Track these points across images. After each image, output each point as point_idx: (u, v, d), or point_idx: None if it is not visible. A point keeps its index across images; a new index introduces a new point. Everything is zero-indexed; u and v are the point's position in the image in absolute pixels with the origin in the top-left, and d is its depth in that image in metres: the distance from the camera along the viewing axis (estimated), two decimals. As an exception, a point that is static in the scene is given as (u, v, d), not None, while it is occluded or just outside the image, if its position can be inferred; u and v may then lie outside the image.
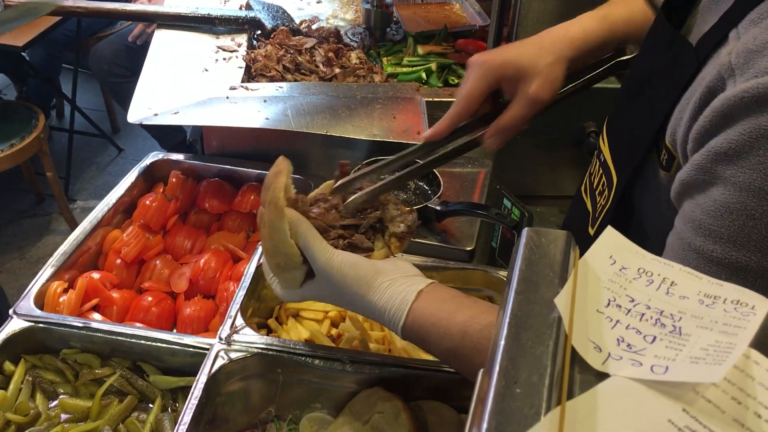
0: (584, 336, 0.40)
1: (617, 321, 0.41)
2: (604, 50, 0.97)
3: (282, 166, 0.82)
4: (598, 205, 0.85)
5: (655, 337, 0.40)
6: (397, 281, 0.77)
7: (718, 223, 0.56)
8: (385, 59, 1.59)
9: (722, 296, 0.42)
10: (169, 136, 3.01)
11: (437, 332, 0.74)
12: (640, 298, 0.43)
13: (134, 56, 3.01)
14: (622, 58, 0.99)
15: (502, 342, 0.36)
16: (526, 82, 0.88)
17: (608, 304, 0.42)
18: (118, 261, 1.23)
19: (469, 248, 1.18)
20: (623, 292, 0.43)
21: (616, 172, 0.79)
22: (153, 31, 2.85)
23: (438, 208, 1.19)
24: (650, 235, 0.75)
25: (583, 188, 0.94)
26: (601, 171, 0.85)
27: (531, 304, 0.39)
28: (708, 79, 0.59)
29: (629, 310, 0.42)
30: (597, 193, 0.86)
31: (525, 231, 0.44)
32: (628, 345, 0.40)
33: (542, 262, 0.42)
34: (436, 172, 1.27)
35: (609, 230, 0.47)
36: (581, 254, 0.46)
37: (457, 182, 1.35)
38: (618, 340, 0.40)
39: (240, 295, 1.06)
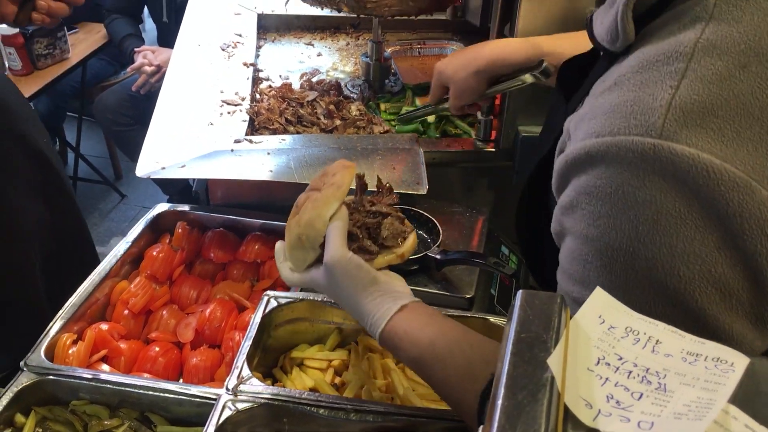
0: (576, 394, 0.43)
1: (606, 378, 0.44)
2: (523, 66, 1.23)
3: (352, 165, 0.92)
4: None
5: (641, 394, 0.43)
6: (388, 293, 0.86)
7: (570, 266, 0.67)
8: (383, 108, 1.64)
9: (704, 354, 0.46)
10: (171, 182, 3.05)
11: (408, 340, 0.82)
12: (627, 356, 0.46)
13: (138, 105, 3.08)
14: (534, 71, 1.21)
15: (500, 402, 0.40)
16: (450, 88, 1.33)
17: (598, 363, 0.45)
18: (126, 312, 1.26)
19: (468, 296, 1.21)
20: (612, 351, 0.46)
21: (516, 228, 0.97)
22: (156, 81, 2.95)
23: (437, 257, 1.22)
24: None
25: None
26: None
27: (526, 364, 0.42)
28: (561, 139, 0.71)
29: (617, 368, 0.45)
30: None
31: (519, 293, 0.47)
32: (617, 402, 0.43)
33: (536, 323, 0.45)
34: (436, 222, 1.30)
35: (598, 291, 0.50)
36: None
37: (455, 230, 1.39)
38: (607, 397, 0.43)
39: (246, 345, 1.08)
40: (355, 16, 1.70)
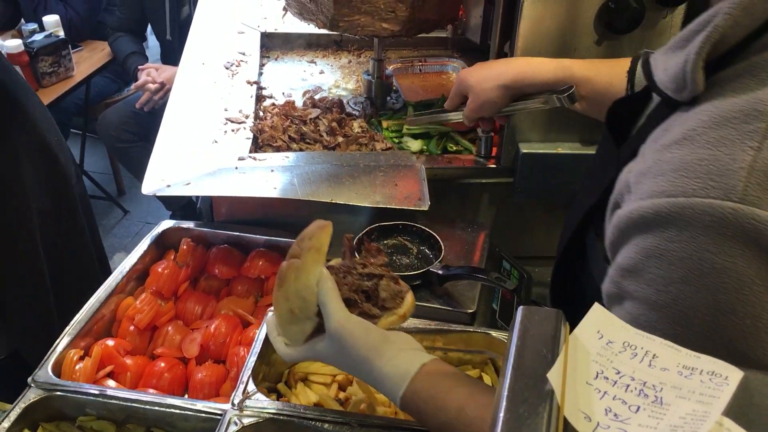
0: (575, 407, 0.44)
1: (605, 392, 0.46)
2: (549, 87, 1.21)
3: (327, 224, 0.88)
4: None
5: (639, 407, 0.45)
6: (404, 351, 0.82)
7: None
8: (385, 126, 1.66)
9: (699, 368, 0.47)
10: (174, 198, 3.07)
11: (434, 405, 0.77)
12: (625, 370, 0.47)
13: (141, 122, 3.11)
14: (561, 94, 1.18)
15: (501, 414, 0.41)
16: (468, 98, 1.32)
17: (596, 377, 0.47)
18: (132, 328, 1.27)
19: (470, 311, 1.22)
20: (610, 365, 0.48)
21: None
22: (159, 99, 2.98)
23: (440, 272, 1.24)
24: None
25: None
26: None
27: (526, 378, 0.43)
28: (616, 191, 0.66)
29: (615, 382, 0.46)
30: None
31: (520, 309, 0.49)
32: (615, 415, 0.44)
33: (536, 338, 0.46)
34: (437, 237, 1.32)
35: (596, 307, 0.52)
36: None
37: (457, 245, 1.40)
38: (606, 410, 0.45)
39: (251, 360, 1.10)
40: (341, 35, 1.72)
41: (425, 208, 1.33)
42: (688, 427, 0.42)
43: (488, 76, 1.27)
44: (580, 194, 0.87)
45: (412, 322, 1.17)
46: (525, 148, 1.43)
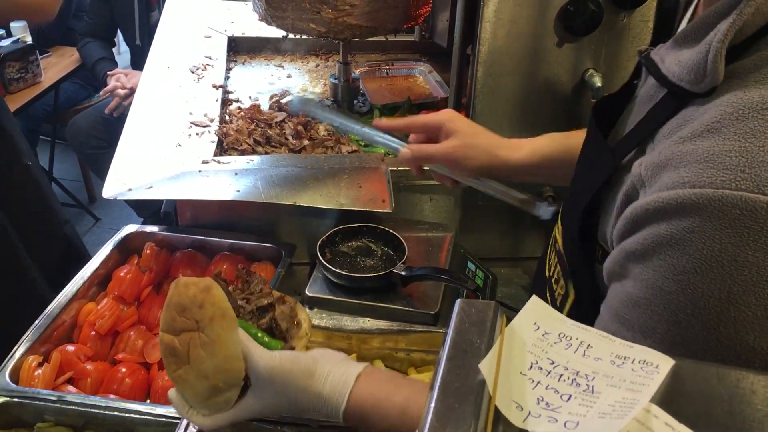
0: (508, 396, 0.45)
1: (538, 382, 0.46)
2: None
3: (210, 282, 0.80)
4: (557, 294, 0.90)
5: (570, 396, 0.45)
6: (336, 366, 0.80)
7: (629, 313, 0.63)
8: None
9: (631, 357, 0.48)
10: (145, 205, 3.05)
11: (377, 413, 0.77)
12: (559, 360, 0.48)
13: (111, 128, 3.08)
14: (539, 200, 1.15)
15: (432, 404, 0.41)
16: (446, 140, 1.11)
17: (531, 367, 0.47)
18: (93, 333, 1.26)
19: (434, 311, 1.23)
20: (545, 355, 0.48)
21: (568, 261, 0.85)
22: (129, 104, 2.95)
23: (403, 273, 1.24)
24: None
25: (547, 272, 0.98)
26: (556, 259, 0.90)
27: (459, 369, 0.44)
28: (626, 186, 0.65)
29: (549, 372, 0.47)
30: (553, 281, 0.92)
31: (457, 302, 0.49)
32: (547, 403, 0.45)
33: (471, 330, 0.47)
34: (401, 239, 1.32)
35: (534, 299, 0.52)
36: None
37: (423, 247, 1.41)
38: (538, 399, 0.45)
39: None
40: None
41: (389, 210, 1.34)
42: (616, 413, 0.42)
43: (483, 135, 1.14)
44: (572, 195, 0.86)
45: (375, 324, 1.18)
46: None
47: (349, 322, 1.15)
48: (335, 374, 0.79)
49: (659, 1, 1.32)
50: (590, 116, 0.84)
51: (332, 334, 1.15)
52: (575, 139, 1.03)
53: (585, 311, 0.76)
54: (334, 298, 1.23)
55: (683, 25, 0.77)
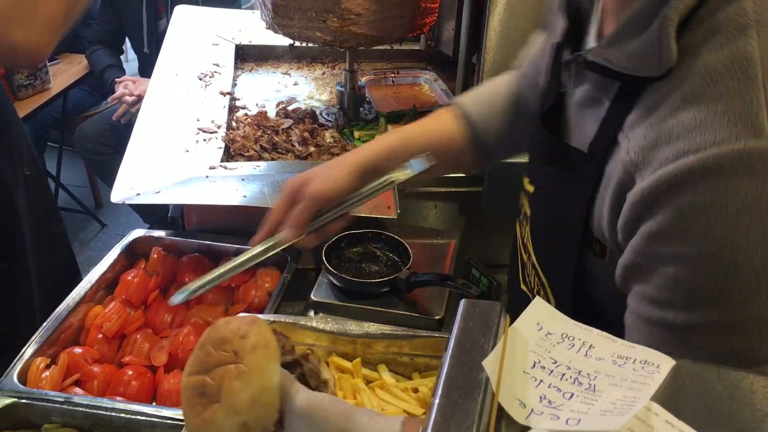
0: (511, 394, 0.45)
1: (541, 380, 0.47)
2: (399, 161, 1.05)
3: (252, 316, 0.79)
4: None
5: (572, 394, 0.46)
6: (375, 415, 0.77)
7: (669, 294, 0.64)
8: (357, 136, 1.68)
9: (633, 357, 0.49)
10: (152, 211, 3.07)
11: None
12: (562, 359, 0.49)
13: (118, 135, 3.11)
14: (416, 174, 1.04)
15: (437, 400, 0.42)
16: (308, 186, 0.99)
17: (534, 366, 0.48)
18: (100, 336, 1.27)
19: (438, 317, 1.24)
20: (547, 355, 0.49)
21: (546, 274, 0.86)
22: (137, 111, 2.98)
23: (407, 278, 1.25)
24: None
25: (523, 285, 0.98)
26: (534, 272, 0.91)
27: (463, 366, 0.45)
28: (616, 177, 0.67)
29: (552, 371, 0.48)
30: (536, 292, 0.92)
31: (462, 302, 0.50)
32: (549, 401, 0.45)
33: (476, 329, 0.48)
34: (406, 245, 1.33)
35: (537, 300, 0.53)
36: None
37: (427, 254, 1.42)
38: (541, 397, 0.46)
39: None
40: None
41: (395, 216, 1.35)
42: (617, 411, 0.43)
43: (328, 165, 1.05)
44: (551, 205, 0.86)
45: (379, 328, 1.18)
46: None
47: (354, 327, 1.15)
48: (377, 420, 0.74)
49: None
50: (538, 126, 0.87)
51: (337, 338, 1.16)
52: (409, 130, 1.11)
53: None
54: (339, 303, 1.24)
55: (591, 34, 0.82)
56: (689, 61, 0.62)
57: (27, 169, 1.56)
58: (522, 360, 0.48)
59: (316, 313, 1.23)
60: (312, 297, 1.25)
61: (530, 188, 0.93)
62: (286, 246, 1.01)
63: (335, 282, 1.26)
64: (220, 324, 0.78)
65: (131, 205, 3.22)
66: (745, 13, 0.60)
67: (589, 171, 0.73)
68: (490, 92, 1.18)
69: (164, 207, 3.16)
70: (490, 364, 0.46)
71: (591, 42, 0.81)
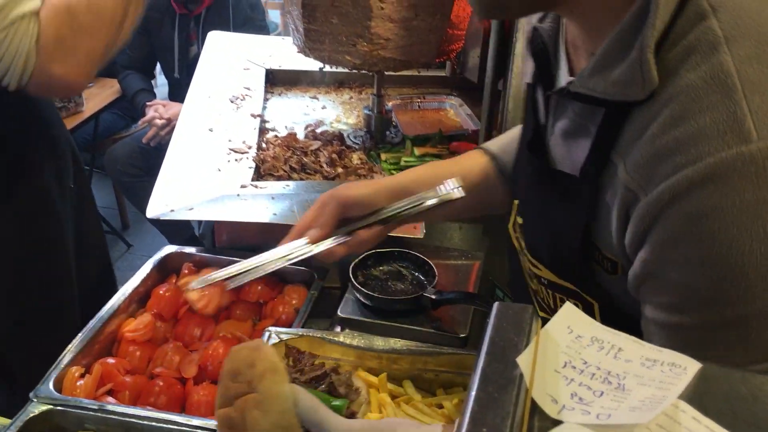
0: (543, 390, 0.48)
1: (572, 379, 0.49)
2: (428, 185, 1.11)
3: (256, 341, 0.81)
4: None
5: (602, 392, 0.48)
6: (416, 425, 0.81)
7: (683, 298, 0.67)
8: (384, 158, 1.72)
9: (660, 360, 0.51)
10: (177, 232, 3.12)
11: None
12: (592, 360, 0.51)
13: (147, 157, 3.18)
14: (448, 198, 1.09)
15: (473, 393, 0.44)
16: (339, 199, 1.07)
17: (564, 366, 0.50)
18: (132, 348, 1.30)
19: (462, 335, 1.25)
20: (578, 356, 0.51)
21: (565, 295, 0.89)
22: (166, 134, 3.05)
23: (433, 297, 1.27)
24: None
25: (540, 312, 1.00)
26: (550, 291, 0.93)
27: (498, 362, 0.47)
28: (618, 196, 0.71)
29: (582, 371, 0.50)
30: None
31: (496, 304, 0.53)
32: (580, 398, 0.47)
33: (509, 330, 0.50)
34: (432, 264, 1.36)
35: (567, 305, 0.55)
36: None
37: (452, 273, 1.44)
38: (572, 394, 0.48)
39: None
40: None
41: (420, 236, 1.38)
42: (646, 408, 0.45)
43: (361, 183, 1.14)
44: (546, 226, 0.89)
45: (405, 344, 1.20)
46: (518, 180, 1.47)
47: (380, 343, 1.17)
48: (418, 429, 0.78)
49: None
50: (524, 157, 0.92)
51: (363, 353, 1.18)
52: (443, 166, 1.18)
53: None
54: (366, 319, 1.27)
55: (562, 69, 0.86)
56: (671, 82, 0.66)
57: (72, 182, 1.61)
58: (553, 360, 0.50)
59: (342, 329, 1.26)
60: (339, 313, 1.28)
61: (520, 220, 0.97)
62: (312, 253, 1.06)
63: (362, 299, 1.29)
64: (233, 355, 0.81)
65: (157, 226, 3.29)
66: (712, 31, 0.65)
67: (584, 193, 0.77)
68: (512, 136, 1.24)
69: (189, 228, 3.23)
70: (523, 361, 0.48)
71: (564, 76, 0.85)
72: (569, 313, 0.55)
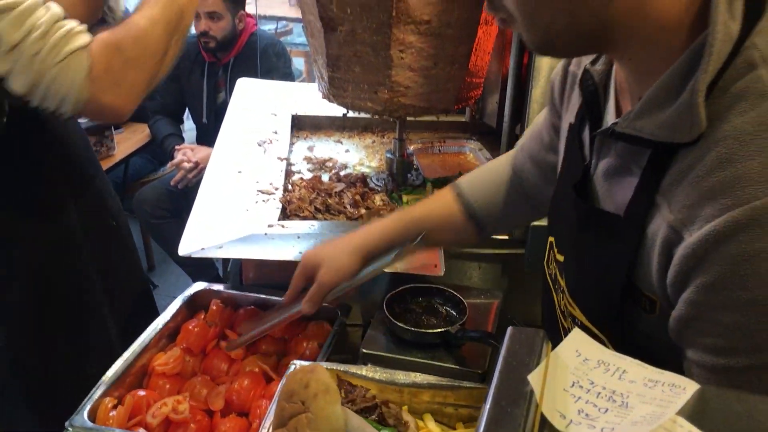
0: (552, 407, 0.52)
1: (579, 397, 0.53)
2: (400, 242, 1.27)
3: (312, 364, 0.88)
4: None
5: (607, 409, 0.52)
6: None
7: (730, 341, 0.69)
8: (405, 200, 1.77)
9: (662, 380, 0.55)
10: (202, 271, 3.19)
11: None
12: (598, 381, 0.55)
13: (175, 200, 3.28)
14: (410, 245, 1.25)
15: (488, 406, 0.49)
16: (320, 270, 1.26)
17: (572, 385, 0.54)
18: (162, 381, 1.35)
19: (481, 371, 1.29)
20: (585, 377, 0.55)
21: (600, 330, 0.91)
22: (193, 177, 3.15)
23: (457, 334, 1.31)
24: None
25: None
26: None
27: (511, 380, 0.51)
28: (661, 235, 0.73)
29: (589, 390, 0.54)
30: None
31: (509, 329, 0.57)
32: (586, 414, 0.52)
33: (522, 351, 0.55)
34: (465, 302, 1.40)
35: (576, 331, 0.60)
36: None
37: (471, 311, 1.47)
38: (579, 411, 0.52)
39: (272, 411, 1.16)
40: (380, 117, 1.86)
41: (441, 274, 1.42)
42: (646, 422, 0.49)
43: (337, 246, 1.29)
44: (590, 268, 0.91)
45: (426, 379, 1.24)
46: (535, 222, 1.52)
47: (402, 377, 1.21)
48: None
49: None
50: (567, 197, 0.95)
51: (385, 387, 1.22)
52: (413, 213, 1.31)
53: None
54: (389, 354, 1.31)
55: (609, 111, 0.90)
56: (718, 126, 0.69)
57: (113, 220, 1.69)
58: (562, 379, 0.55)
59: (365, 363, 1.30)
60: (362, 349, 1.32)
61: (560, 257, 1.00)
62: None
63: (394, 330, 1.33)
64: (289, 377, 0.86)
65: (183, 266, 3.37)
66: (762, 80, 0.68)
67: (628, 232, 0.79)
68: (489, 171, 1.33)
69: (214, 267, 3.30)
70: (534, 379, 0.52)
71: (611, 117, 0.89)
72: (578, 338, 0.59)
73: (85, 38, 1.24)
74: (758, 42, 0.69)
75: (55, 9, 1.22)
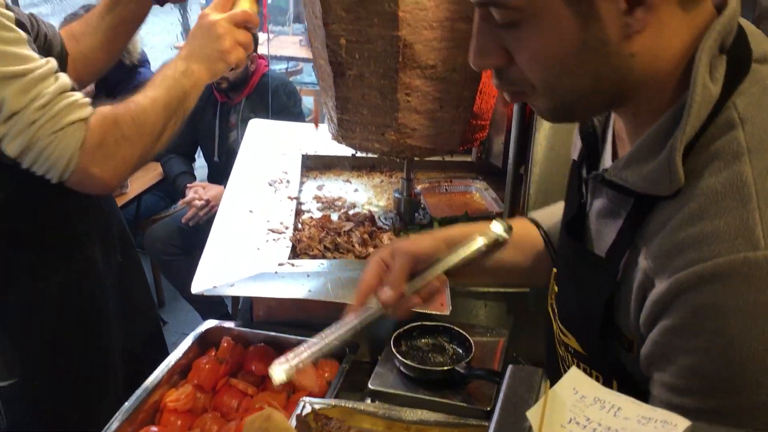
0: (550, 442, 0.55)
1: (576, 433, 0.56)
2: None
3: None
4: None
5: (602, 444, 0.55)
6: None
7: (685, 382, 0.73)
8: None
9: (654, 418, 0.57)
10: (211, 309, 3.22)
11: None
12: (594, 417, 0.58)
13: (186, 237, 3.32)
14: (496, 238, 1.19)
15: (488, 441, 0.52)
16: (397, 252, 1.09)
17: (570, 421, 0.57)
18: (173, 417, 1.38)
19: (487, 408, 1.31)
20: (582, 414, 0.58)
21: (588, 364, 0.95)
22: (204, 215, 3.20)
23: (463, 372, 1.33)
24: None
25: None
26: (575, 359, 0.99)
27: (511, 416, 0.54)
28: (637, 279, 0.78)
29: (585, 426, 0.57)
30: None
31: (510, 367, 0.61)
32: (583, 449, 0.54)
33: (521, 389, 0.58)
34: (471, 341, 1.42)
35: (573, 370, 0.63)
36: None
37: (478, 350, 1.50)
38: (575, 446, 0.55)
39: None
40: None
41: (447, 312, 1.45)
42: (639, 456, 0.52)
43: (440, 244, 1.15)
44: (576, 304, 0.95)
45: (432, 416, 1.26)
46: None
47: (409, 414, 1.23)
48: None
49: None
50: (563, 234, 1.00)
51: (393, 423, 1.24)
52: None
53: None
54: (396, 392, 1.33)
55: (606, 154, 0.94)
56: (694, 183, 0.73)
57: (120, 256, 1.73)
58: (560, 416, 0.57)
59: (373, 401, 1.32)
60: (370, 386, 1.34)
61: (556, 289, 1.05)
62: (384, 313, 1.07)
63: (400, 368, 1.35)
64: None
65: (193, 303, 3.40)
66: (738, 142, 0.72)
67: (607, 273, 0.84)
68: (560, 207, 1.31)
69: (223, 304, 3.33)
70: (533, 415, 0.55)
71: (607, 161, 0.94)
72: (575, 376, 0.62)
73: (86, 111, 1.28)
74: (738, 103, 0.73)
75: (64, 80, 1.27)
